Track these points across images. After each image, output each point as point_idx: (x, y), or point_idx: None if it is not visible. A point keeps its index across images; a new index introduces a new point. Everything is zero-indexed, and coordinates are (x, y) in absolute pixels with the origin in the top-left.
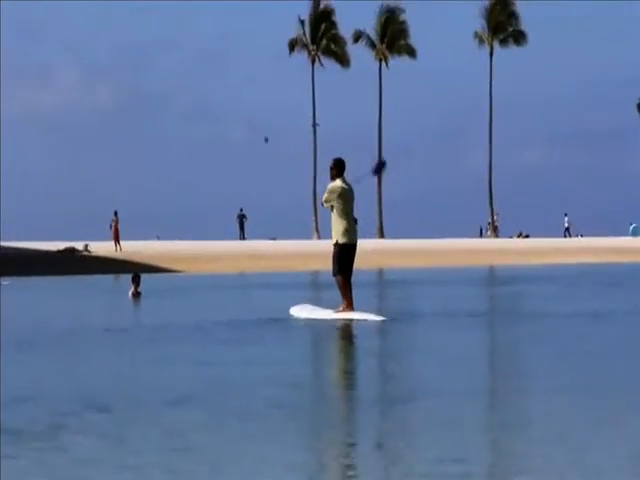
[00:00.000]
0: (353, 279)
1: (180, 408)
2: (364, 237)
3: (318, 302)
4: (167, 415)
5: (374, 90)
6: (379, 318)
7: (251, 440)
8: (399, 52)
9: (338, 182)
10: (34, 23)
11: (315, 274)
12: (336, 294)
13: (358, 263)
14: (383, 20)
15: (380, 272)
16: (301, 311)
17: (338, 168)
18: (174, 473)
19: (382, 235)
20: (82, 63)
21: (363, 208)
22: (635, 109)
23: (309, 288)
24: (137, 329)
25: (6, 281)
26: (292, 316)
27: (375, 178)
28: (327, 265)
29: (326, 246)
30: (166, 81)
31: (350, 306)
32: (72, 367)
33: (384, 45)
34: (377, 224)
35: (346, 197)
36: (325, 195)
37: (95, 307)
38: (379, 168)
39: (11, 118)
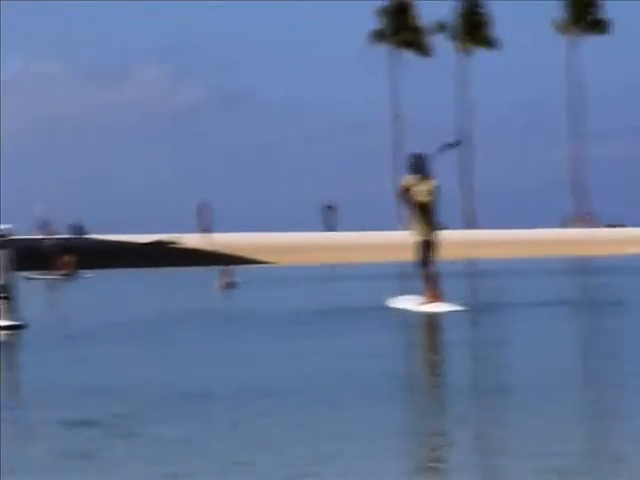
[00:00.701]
0: (440, 270)
1: (273, 398)
2: (452, 228)
3: (409, 293)
4: (260, 405)
5: (455, 81)
6: (464, 308)
7: (349, 432)
8: (480, 43)
9: (425, 179)
10: (114, 22)
11: (404, 265)
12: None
13: (447, 254)
14: (464, 11)
15: (470, 263)
16: (397, 301)
17: (418, 163)
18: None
19: (472, 225)
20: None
21: (452, 197)
22: None
23: (399, 279)
24: (228, 320)
25: (89, 274)
26: (387, 306)
27: (465, 170)
28: (412, 256)
29: (410, 238)
30: (248, 78)
31: (436, 297)
32: (167, 357)
33: (465, 36)
34: (467, 214)
35: (432, 193)
36: (433, 196)
37: (184, 299)
38: (451, 145)
39: (95, 116)
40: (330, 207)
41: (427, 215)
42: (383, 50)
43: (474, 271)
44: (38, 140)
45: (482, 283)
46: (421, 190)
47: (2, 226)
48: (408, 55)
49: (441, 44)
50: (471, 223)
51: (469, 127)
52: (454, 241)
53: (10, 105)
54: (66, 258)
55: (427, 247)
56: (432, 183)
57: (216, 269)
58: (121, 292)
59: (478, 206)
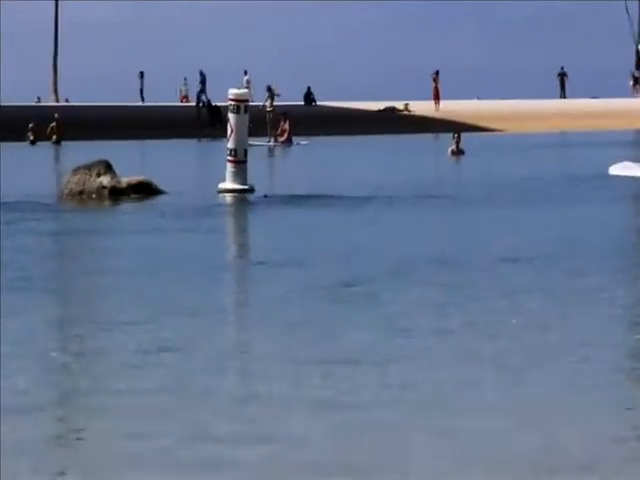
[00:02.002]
0: None
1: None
2: None
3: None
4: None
5: None
6: None
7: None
8: None
9: None
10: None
11: (637, 133)
12: None
13: None
14: None
15: None
16: (622, 169)
17: None
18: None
19: None
20: None
21: None
22: None
23: (630, 146)
24: (464, 189)
25: (305, 141)
26: (612, 174)
27: None
28: None
29: None
30: None
31: None
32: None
33: None
34: None
35: None
36: None
37: (419, 165)
38: None
39: None
40: (564, 74)
41: None
42: None
43: None
44: None
45: None
46: None
47: (240, 91)
48: None
49: None
50: None
51: None
52: None
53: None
54: (283, 125)
55: None
56: None
57: (446, 136)
58: (351, 158)
59: None
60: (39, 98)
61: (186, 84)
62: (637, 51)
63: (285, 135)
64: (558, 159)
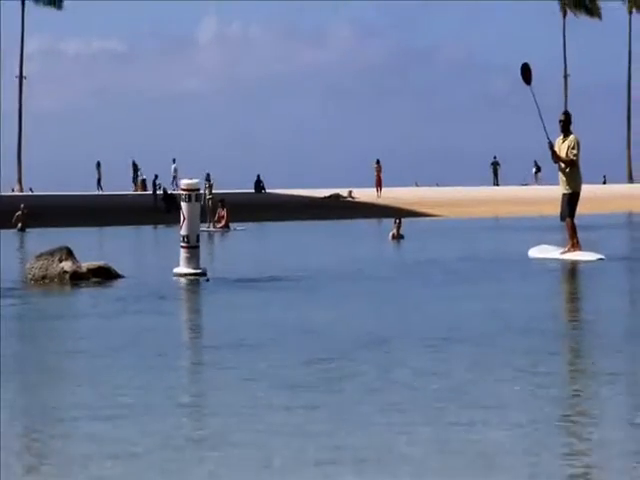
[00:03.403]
0: (594, 222)
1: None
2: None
3: (556, 243)
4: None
5: (624, 42)
6: (600, 257)
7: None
8: None
9: (575, 135)
10: None
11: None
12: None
13: (608, 207)
14: None
15: (629, 215)
16: (539, 252)
17: (569, 120)
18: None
19: (632, 180)
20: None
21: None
22: None
23: (553, 231)
24: (397, 268)
25: (241, 227)
26: (530, 256)
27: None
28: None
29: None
30: (431, 37)
31: (577, 246)
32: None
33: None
34: (627, 169)
35: (573, 148)
36: (575, 151)
37: (363, 248)
38: (524, 74)
39: (291, 75)
40: (497, 163)
41: (579, 171)
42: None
43: (629, 222)
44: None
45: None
46: (563, 147)
47: (193, 180)
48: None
49: (612, 4)
50: (630, 178)
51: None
52: (615, 194)
53: (204, 66)
54: (221, 211)
55: (577, 200)
56: (572, 139)
57: (388, 221)
58: (293, 242)
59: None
60: (13, 189)
61: (141, 173)
62: (550, 143)
63: (223, 221)
64: (486, 242)
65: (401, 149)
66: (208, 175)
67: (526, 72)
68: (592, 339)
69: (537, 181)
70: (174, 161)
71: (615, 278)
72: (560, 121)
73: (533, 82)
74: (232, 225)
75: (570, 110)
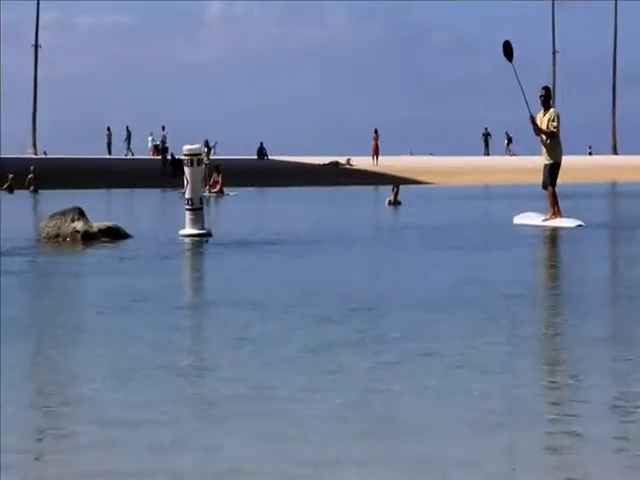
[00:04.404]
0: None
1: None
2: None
3: (540, 210)
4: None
5: (612, 19)
6: (579, 223)
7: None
8: None
9: (555, 109)
10: None
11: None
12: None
13: (593, 177)
14: None
15: (613, 185)
16: (524, 219)
17: (549, 95)
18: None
19: (615, 152)
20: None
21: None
22: None
23: (538, 198)
24: (394, 233)
25: (233, 192)
26: (515, 223)
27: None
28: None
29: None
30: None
31: (558, 213)
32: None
33: None
34: (611, 142)
35: (553, 121)
36: (555, 123)
37: (359, 213)
38: (506, 51)
39: (292, 51)
40: (488, 134)
41: (550, 141)
42: None
43: (614, 192)
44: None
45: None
46: (544, 120)
47: (195, 146)
48: None
49: None
50: (614, 150)
51: (624, 64)
52: (597, 165)
53: (210, 41)
54: (216, 177)
55: (550, 170)
56: (552, 112)
57: (385, 188)
58: (290, 208)
59: (623, 135)
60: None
61: (153, 139)
62: (531, 116)
63: (217, 186)
64: (476, 209)
65: (397, 120)
66: (207, 142)
67: (508, 49)
68: (558, 302)
69: (509, 152)
70: (163, 128)
71: (591, 244)
72: (540, 96)
73: (515, 59)
74: (225, 190)
75: (559, 85)
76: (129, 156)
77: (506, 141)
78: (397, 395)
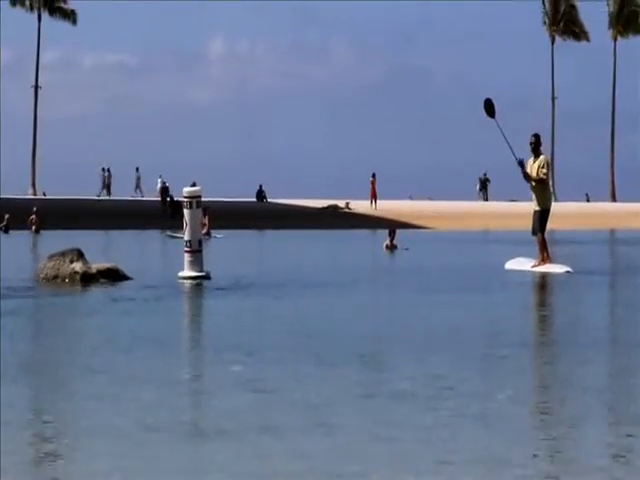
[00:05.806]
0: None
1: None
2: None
3: (532, 256)
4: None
5: (611, 65)
6: (567, 269)
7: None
8: (634, 32)
9: (545, 156)
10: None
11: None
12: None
13: (590, 224)
14: (619, 1)
15: (610, 232)
16: (514, 264)
17: (539, 142)
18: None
19: (614, 199)
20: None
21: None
22: None
23: (532, 244)
24: (387, 275)
25: (220, 234)
26: (506, 268)
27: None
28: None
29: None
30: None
31: (548, 259)
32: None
33: (619, 25)
34: (609, 188)
35: (543, 168)
36: (545, 170)
37: (356, 256)
38: (488, 109)
39: (291, 90)
40: (487, 179)
41: (540, 188)
42: (544, 36)
43: (606, 239)
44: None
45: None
46: (534, 167)
47: (194, 188)
48: (567, 40)
49: (598, 29)
50: (612, 197)
51: (622, 110)
52: (594, 212)
53: (213, 80)
54: (202, 219)
55: (540, 216)
56: (542, 159)
57: (382, 232)
58: (284, 249)
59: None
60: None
61: (163, 181)
62: (520, 162)
63: (205, 228)
64: (470, 254)
65: (396, 164)
66: (194, 184)
67: (489, 107)
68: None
69: (480, 196)
70: (137, 170)
71: (577, 290)
72: (531, 143)
73: (497, 114)
74: (213, 232)
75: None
76: (138, 197)
77: (478, 186)
78: None
